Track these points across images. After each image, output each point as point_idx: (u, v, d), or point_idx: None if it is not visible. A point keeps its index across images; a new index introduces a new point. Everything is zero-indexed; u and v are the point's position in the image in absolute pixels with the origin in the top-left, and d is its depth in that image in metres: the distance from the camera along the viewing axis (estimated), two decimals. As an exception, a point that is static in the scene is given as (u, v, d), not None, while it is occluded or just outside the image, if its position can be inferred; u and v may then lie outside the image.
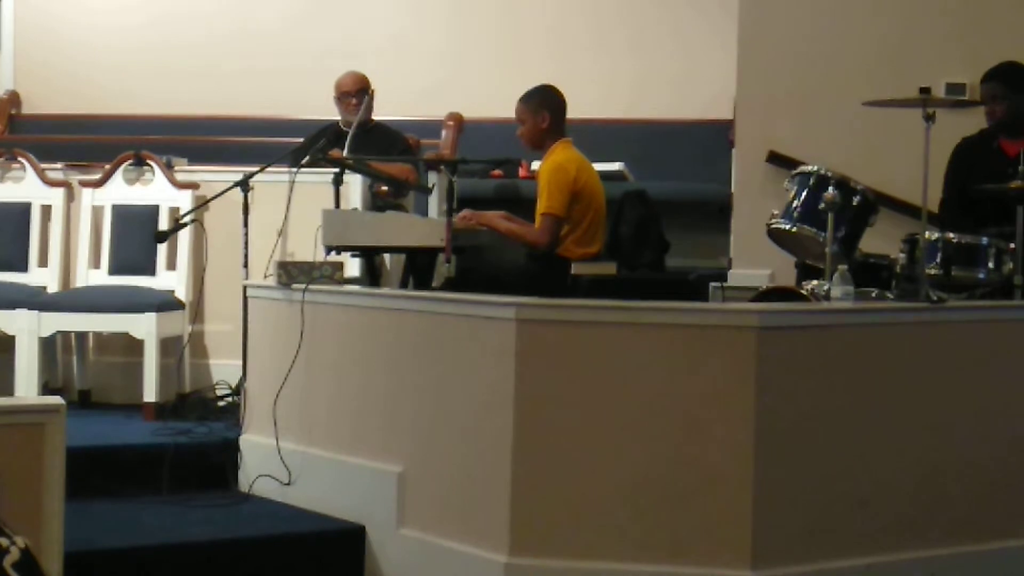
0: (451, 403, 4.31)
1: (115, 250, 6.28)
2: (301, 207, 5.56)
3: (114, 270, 6.25)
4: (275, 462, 4.93)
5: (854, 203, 5.08)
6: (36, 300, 5.94)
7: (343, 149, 6.07)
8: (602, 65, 8.54)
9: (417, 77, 8.50)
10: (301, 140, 6.91)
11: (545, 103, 5.96)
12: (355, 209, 6.10)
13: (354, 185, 6.20)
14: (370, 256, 5.86)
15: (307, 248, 5.51)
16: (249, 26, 8.80)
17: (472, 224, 5.82)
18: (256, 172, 5.71)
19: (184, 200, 6.27)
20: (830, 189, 4.97)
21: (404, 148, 6.98)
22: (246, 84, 8.57)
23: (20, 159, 6.44)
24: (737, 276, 6.51)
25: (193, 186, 6.30)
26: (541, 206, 5.79)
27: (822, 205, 4.93)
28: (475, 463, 4.20)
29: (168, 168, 6.37)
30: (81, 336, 6.28)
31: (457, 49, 8.72)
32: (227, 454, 5.20)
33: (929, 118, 4.62)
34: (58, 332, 6.02)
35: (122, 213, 6.31)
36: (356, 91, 6.87)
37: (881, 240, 5.37)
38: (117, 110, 8.50)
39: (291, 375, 4.90)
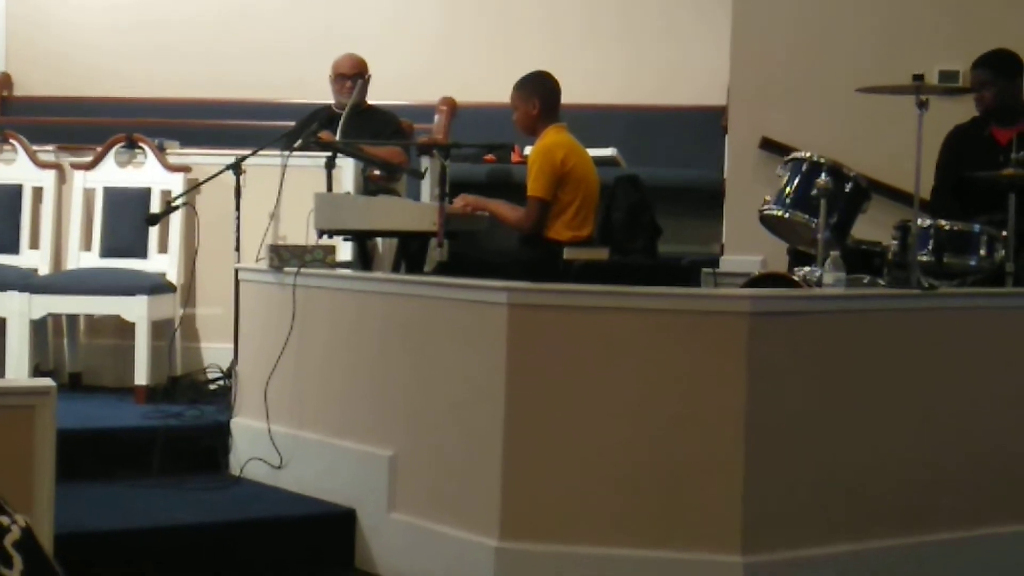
0: (443, 387, 4.32)
1: (106, 233, 6.27)
2: (293, 191, 5.55)
3: (105, 253, 6.25)
4: (266, 445, 4.93)
5: (846, 190, 5.08)
6: (27, 282, 5.93)
7: (335, 132, 6.06)
8: (596, 50, 8.53)
9: (411, 61, 8.47)
10: (293, 124, 6.89)
11: (536, 90, 5.97)
12: (347, 193, 6.10)
13: (346, 169, 6.20)
14: (362, 240, 5.86)
15: (299, 232, 5.50)
16: (243, 9, 8.77)
17: (469, 210, 5.83)
18: (248, 155, 5.70)
19: (176, 183, 6.26)
20: (822, 175, 4.97)
21: (396, 130, 6.96)
22: (239, 67, 8.55)
23: (11, 141, 6.43)
24: (729, 262, 6.51)
25: (185, 169, 6.29)
26: (528, 190, 5.83)
27: (814, 191, 4.93)
28: (466, 447, 4.21)
29: (160, 151, 6.36)
30: (72, 319, 6.28)
31: (451, 34, 8.70)
32: (218, 437, 5.21)
33: (922, 105, 4.62)
34: (49, 314, 6.01)
35: (114, 196, 6.30)
36: (353, 74, 6.85)
37: (873, 227, 5.36)
38: (109, 92, 8.48)
39: (282, 359, 4.90)
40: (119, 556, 4.28)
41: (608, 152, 7.31)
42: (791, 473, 4.06)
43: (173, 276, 6.17)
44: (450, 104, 8.17)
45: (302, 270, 4.89)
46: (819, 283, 4.63)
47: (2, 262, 6.18)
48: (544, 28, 8.58)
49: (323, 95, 7.10)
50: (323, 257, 5.01)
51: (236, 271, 5.37)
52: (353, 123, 6.26)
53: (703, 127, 8.02)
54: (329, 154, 5.75)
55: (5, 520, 1.98)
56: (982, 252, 5.05)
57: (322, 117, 6.69)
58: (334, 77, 6.96)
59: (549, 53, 7.76)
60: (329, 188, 5.69)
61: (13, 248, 6.30)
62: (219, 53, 8.63)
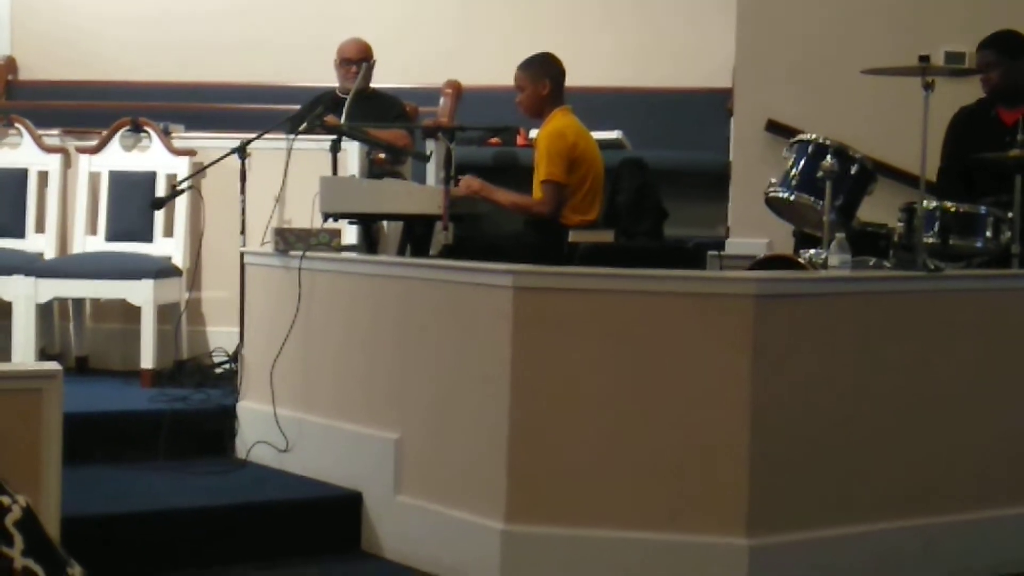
0: (448, 370, 4.32)
1: (112, 216, 6.27)
2: (299, 174, 5.55)
3: (111, 236, 6.25)
4: (272, 429, 4.94)
5: (852, 172, 5.07)
6: (33, 266, 5.94)
7: (340, 116, 6.05)
8: (602, 33, 8.50)
9: (417, 45, 8.45)
10: (298, 107, 6.89)
11: (546, 70, 5.95)
12: (353, 176, 6.10)
13: (352, 152, 6.19)
14: (367, 223, 5.86)
15: (304, 215, 5.51)
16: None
17: (473, 194, 5.81)
18: (253, 139, 5.70)
19: (181, 167, 6.26)
20: (828, 158, 4.96)
21: (400, 114, 6.96)
22: (244, 50, 8.53)
23: (17, 125, 6.43)
24: (735, 245, 6.50)
25: (190, 153, 6.29)
26: (541, 174, 5.80)
27: (820, 173, 4.92)
28: (472, 430, 4.21)
29: (165, 135, 6.36)
30: (78, 302, 6.29)
31: (459, 17, 8.68)
32: (224, 421, 5.22)
33: (928, 87, 4.61)
34: (55, 298, 6.01)
35: (119, 179, 6.31)
36: (358, 59, 6.85)
37: (879, 209, 5.36)
38: (114, 76, 8.47)
39: (288, 342, 4.90)
40: (125, 539, 4.28)
41: (613, 135, 7.30)
42: (797, 455, 4.07)
43: (179, 260, 6.18)
44: (455, 87, 8.15)
45: (307, 253, 4.89)
46: (825, 265, 4.63)
47: (8, 246, 6.19)
48: (554, 11, 8.55)
49: (328, 79, 7.09)
50: (328, 240, 5.01)
51: (242, 255, 5.37)
52: (358, 107, 6.27)
53: (708, 109, 7.99)
54: (334, 137, 5.75)
55: (6, 500, 1.99)
56: (988, 234, 5.04)
57: (327, 101, 6.69)
58: (339, 62, 6.96)
59: (555, 36, 7.70)
60: (334, 171, 5.69)
61: (19, 232, 6.30)
62: (224, 36, 8.61)
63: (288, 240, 4.99)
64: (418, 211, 5.49)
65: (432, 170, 6.60)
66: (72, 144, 6.41)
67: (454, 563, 4.23)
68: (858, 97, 6.35)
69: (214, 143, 6.20)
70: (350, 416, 4.71)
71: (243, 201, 5.62)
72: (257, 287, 5.23)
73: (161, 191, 6.21)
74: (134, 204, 6.23)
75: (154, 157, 6.33)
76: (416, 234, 6.04)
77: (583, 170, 5.85)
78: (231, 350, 5.86)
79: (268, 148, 5.81)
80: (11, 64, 8.70)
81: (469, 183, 5.82)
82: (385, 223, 6.22)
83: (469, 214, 5.85)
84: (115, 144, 6.35)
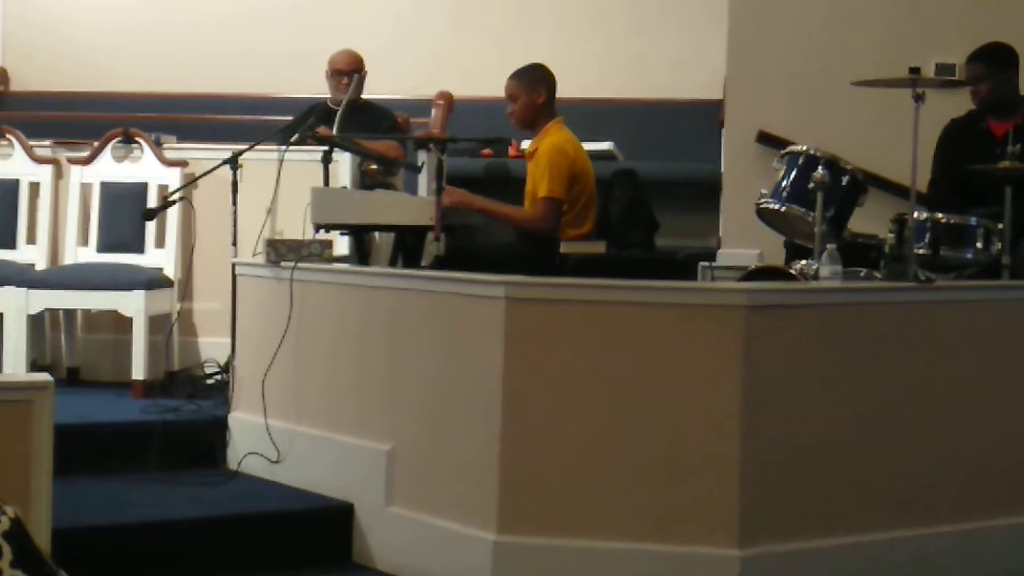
0: (440, 381, 4.32)
1: (103, 227, 6.27)
2: (290, 185, 5.55)
3: (103, 247, 6.25)
4: (264, 440, 4.93)
5: (843, 183, 5.09)
6: (24, 277, 5.93)
7: (332, 127, 6.06)
8: (597, 44, 8.51)
9: (409, 56, 8.47)
10: (290, 118, 6.89)
11: (541, 80, 5.93)
12: (344, 187, 6.10)
13: (343, 163, 6.19)
14: (359, 234, 5.86)
15: (296, 226, 5.50)
16: (242, 4, 8.76)
17: (458, 204, 5.80)
18: (245, 150, 5.69)
19: (173, 178, 6.26)
20: (819, 169, 4.98)
21: (391, 125, 6.96)
22: (235, 62, 8.54)
23: (8, 136, 6.43)
24: (726, 255, 6.50)
25: (182, 164, 6.29)
26: (542, 190, 5.75)
27: (811, 185, 4.93)
28: (464, 441, 4.21)
29: (157, 146, 6.36)
30: (70, 313, 6.27)
31: (450, 28, 8.69)
32: (216, 432, 5.21)
33: (918, 98, 4.62)
34: (46, 309, 6.00)
35: (111, 190, 6.31)
36: (350, 71, 6.86)
37: (870, 220, 5.37)
38: (106, 87, 8.47)
39: (280, 353, 4.90)
40: (116, 551, 4.27)
41: (605, 146, 7.32)
42: (788, 466, 4.07)
43: (170, 271, 6.17)
44: (447, 98, 8.16)
45: (299, 265, 4.89)
46: (816, 276, 4.64)
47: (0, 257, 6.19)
48: (542, 23, 8.57)
49: (320, 90, 7.10)
50: (320, 252, 5.01)
51: (233, 266, 5.36)
52: (349, 118, 6.27)
53: (700, 121, 8.00)
54: (326, 149, 5.75)
55: (-6, 512, 1.99)
56: (979, 245, 5.06)
57: (318, 112, 6.70)
58: (331, 73, 6.96)
59: (546, 47, 7.72)
60: (326, 182, 5.69)
61: (10, 243, 6.30)
62: (216, 47, 8.62)
63: (280, 251, 4.99)
64: (410, 222, 5.49)
65: (424, 181, 6.60)
66: (63, 155, 6.41)
67: (446, 574, 4.23)
68: (849, 109, 6.36)
69: (206, 154, 6.21)
70: (342, 427, 4.71)
71: (235, 212, 5.61)
72: (249, 298, 5.23)
73: (153, 202, 6.21)
74: (125, 215, 6.22)
75: (146, 168, 6.33)
76: (408, 245, 6.04)
77: (580, 185, 5.84)
78: (223, 361, 5.85)
79: (260, 159, 5.81)
80: (2, 75, 8.71)
81: (450, 192, 5.80)
82: (377, 234, 6.22)
83: (461, 225, 5.85)
84: (106, 155, 6.35)
